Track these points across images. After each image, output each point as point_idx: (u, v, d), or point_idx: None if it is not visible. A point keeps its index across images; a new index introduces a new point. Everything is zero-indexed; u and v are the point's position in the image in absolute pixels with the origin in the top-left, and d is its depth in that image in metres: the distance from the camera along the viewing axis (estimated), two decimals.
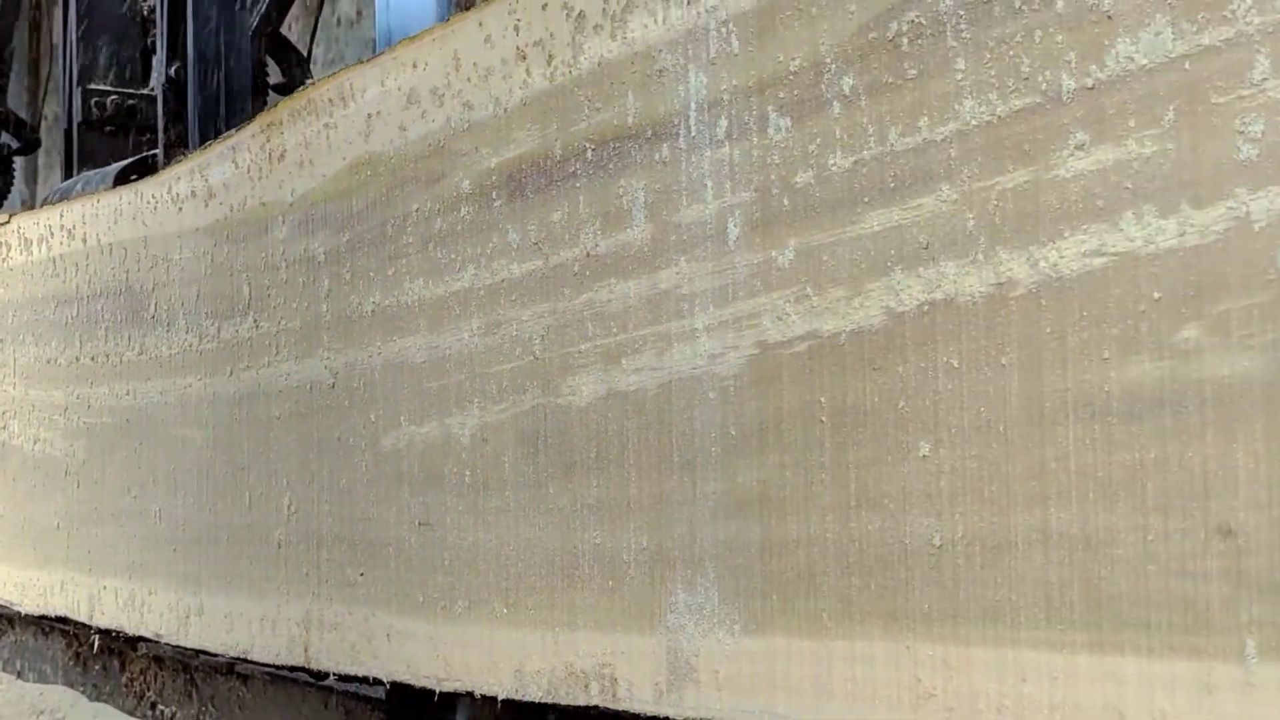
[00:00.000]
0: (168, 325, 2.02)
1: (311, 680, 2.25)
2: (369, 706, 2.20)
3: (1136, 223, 0.92)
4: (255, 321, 1.81)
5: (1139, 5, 0.92)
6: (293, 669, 1.80)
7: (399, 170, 1.57)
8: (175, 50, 3.58)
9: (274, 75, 3.84)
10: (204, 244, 1.93)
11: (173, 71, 3.57)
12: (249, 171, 1.82)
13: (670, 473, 1.25)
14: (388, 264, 1.58)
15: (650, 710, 1.27)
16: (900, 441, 1.06)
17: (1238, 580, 0.87)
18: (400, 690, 1.62)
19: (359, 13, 6.81)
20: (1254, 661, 0.87)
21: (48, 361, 2.39)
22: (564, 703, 1.36)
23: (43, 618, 2.64)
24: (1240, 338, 0.87)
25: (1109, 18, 0.94)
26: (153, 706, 3.00)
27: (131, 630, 2.15)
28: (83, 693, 3.16)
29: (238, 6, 3.51)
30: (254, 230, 1.82)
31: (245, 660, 1.93)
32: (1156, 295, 0.92)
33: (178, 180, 1.98)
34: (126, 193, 2.13)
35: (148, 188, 2.07)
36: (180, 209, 1.98)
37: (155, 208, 2.04)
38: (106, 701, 3.09)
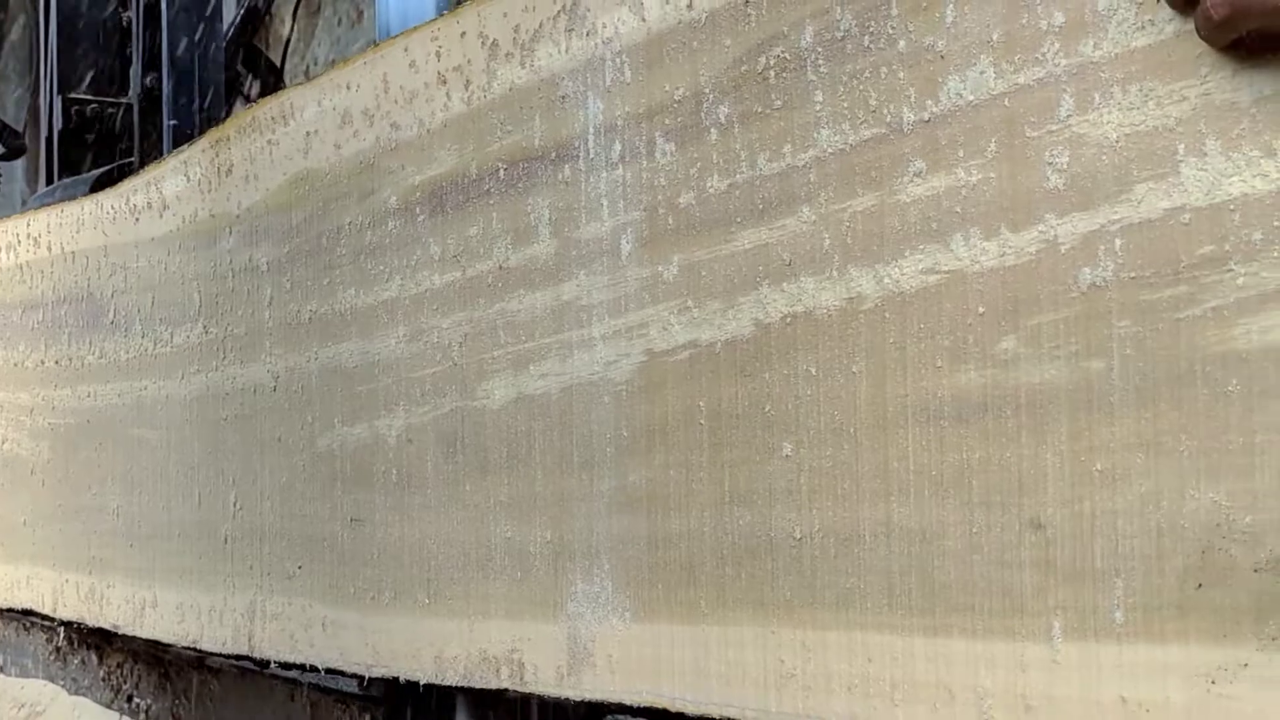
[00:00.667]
0: (125, 331, 2.11)
1: (277, 674, 2.35)
2: (333, 699, 2.29)
3: (964, 244, 1.01)
4: (205, 328, 1.90)
5: (966, 46, 1.01)
6: (240, 658, 1.88)
7: (334, 186, 1.66)
8: (150, 61, 3.66)
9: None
10: (158, 253, 2.02)
11: (148, 82, 3.65)
12: (199, 185, 1.91)
13: (571, 472, 1.34)
14: (323, 274, 1.67)
15: (553, 692, 1.36)
16: (767, 443, 1.15)
17: (1046, 569, 0.96)
18: (398, 689, 1.69)
19: (360, 12, 6.89)
20: (1059, 642, 0.96)
21: (15, 365, 2.48)
22: (477, 686, 1.45)
23: (9, 610, 2.72)
24: (1049, 349, 0.96)
25: (942, 57, 1.03)
26: (129, 699, 3.08)
27: (92, 622, 2.24)
28: (63, 686, 3.24)
29: (211, 19, 3.59)
30: (204, 241, 1.91)
31: (196, 650, 2.01)
32: (981, 310, 1.01)
33: (135, 192, 2.07)
34: (88, 203, 2.22)
35: (107, 199, 2.16)
36: (137, 220, 2.07)
37: (114, 218, 2.13)
38: (85, 695, 3.17)
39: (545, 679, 1.36)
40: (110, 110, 4.37)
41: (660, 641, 1.24)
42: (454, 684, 1.47)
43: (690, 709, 1.22)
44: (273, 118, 1.76)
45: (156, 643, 2.35)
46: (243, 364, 1.82)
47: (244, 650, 1.83)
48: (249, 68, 3.89)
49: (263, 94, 3.88)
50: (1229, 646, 0.87)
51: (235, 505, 1.84)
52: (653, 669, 1.25)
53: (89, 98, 4.30)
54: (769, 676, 1.15)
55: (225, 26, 3.84)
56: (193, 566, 1.96)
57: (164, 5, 3.56)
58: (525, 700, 1.53)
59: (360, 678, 2.08)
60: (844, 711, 1.09)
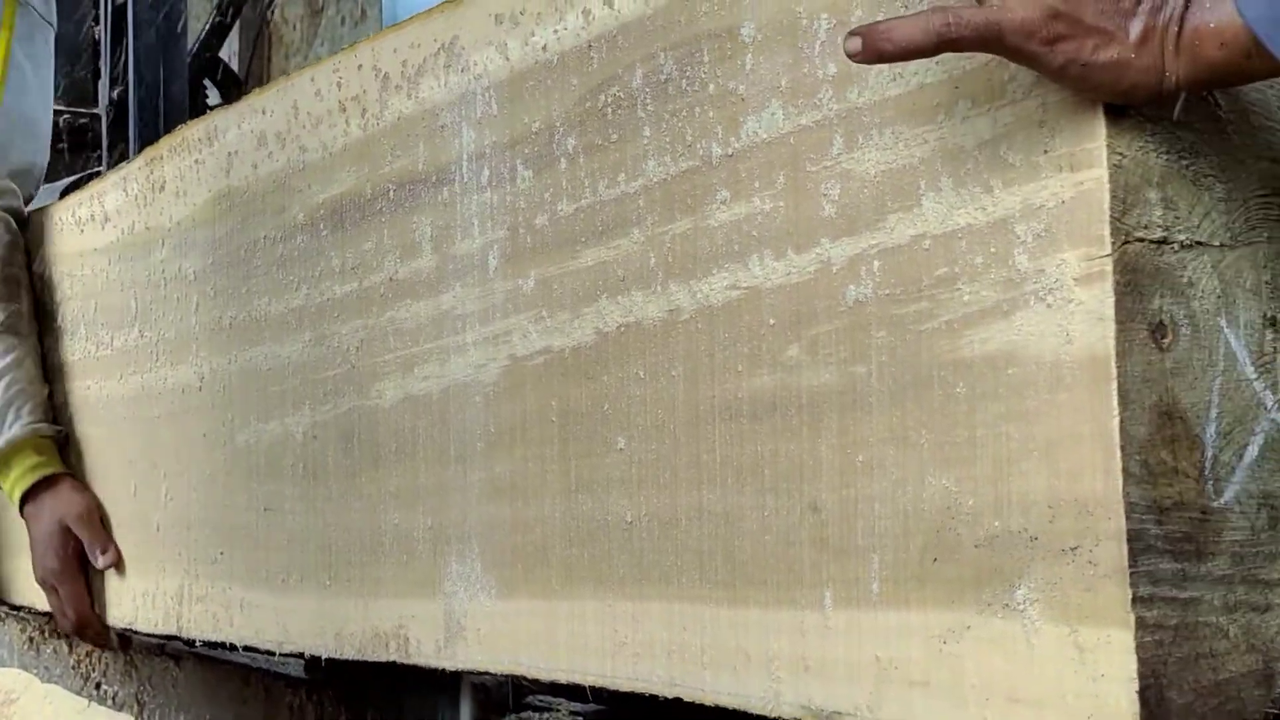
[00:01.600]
0: (71, 335, 2.24)
1: (232, 659, 2.49)
2: (284, 684, 2.43)
3: (759, 264, 1.15)
4: (140, 331, 2.04)
5: (761, 91, 1.15)
6: (170, 637, 2.02)
7: (251, 202, 1.79)
8: (118, 75, 3.80)
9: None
10: (101, 262, 2.15)
11: (115, 95, 3.79)
12: (136, 199, 2.04)
13: (449, 464, 1.47)
14: (242, 283, 1.80)
15: (432, 663, 1.49)
16: (605, 438, 1.29)
17: (821, 546, 1.10)
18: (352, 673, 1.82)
19: (363, 12, 7.01)
20: (830, 610, 1.09)
21: None
22: (370, 659, 1.58)
23: None
24: (824, 355, 1.10)
25: (743, 99, 1.17)
26: (97, 686, 3.21)
27: (41, 607, 2.37)
28: (36, 675, 3.37)
29: (175, 36, 3.72)
30: (140, 251, 2.04)
31: (131, 631, 2.15)
32: (772, 321, 1.14)
33: (79, 205, 2.20)
34: (37, 215, 2.35)
35: (55, 211, 2.29)
36: (82, 231, 2.20)
37: (61, 229, 2.26)
38: (57, 683, 3.30)
39: (426, 652, 1.50)
40: (83, 120, 4.51)
41: (520, 616, 1.38)
42: (350, 658, 1.61)
43: (542, 675, 1.36)
44: (199, 139, 1.90)
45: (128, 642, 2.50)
46: (173, 365, 1.96)
47: (173, 630, 1.96)
48: (213, 80, 4.03)
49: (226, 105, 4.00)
50: (956, 611, 1.01)
51: (166, 496, 1.97)
52: (513, 641, 1.39)
53: (62, 108, 4.43)
54: (606, 645, 1.29)
55: (190, 42, 3.97)
56: (130, 553, 2.10)
57: (130, 22, 3.69)
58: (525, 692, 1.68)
59: (313, 664, 2.24)
60: (664, 674, 1.23)
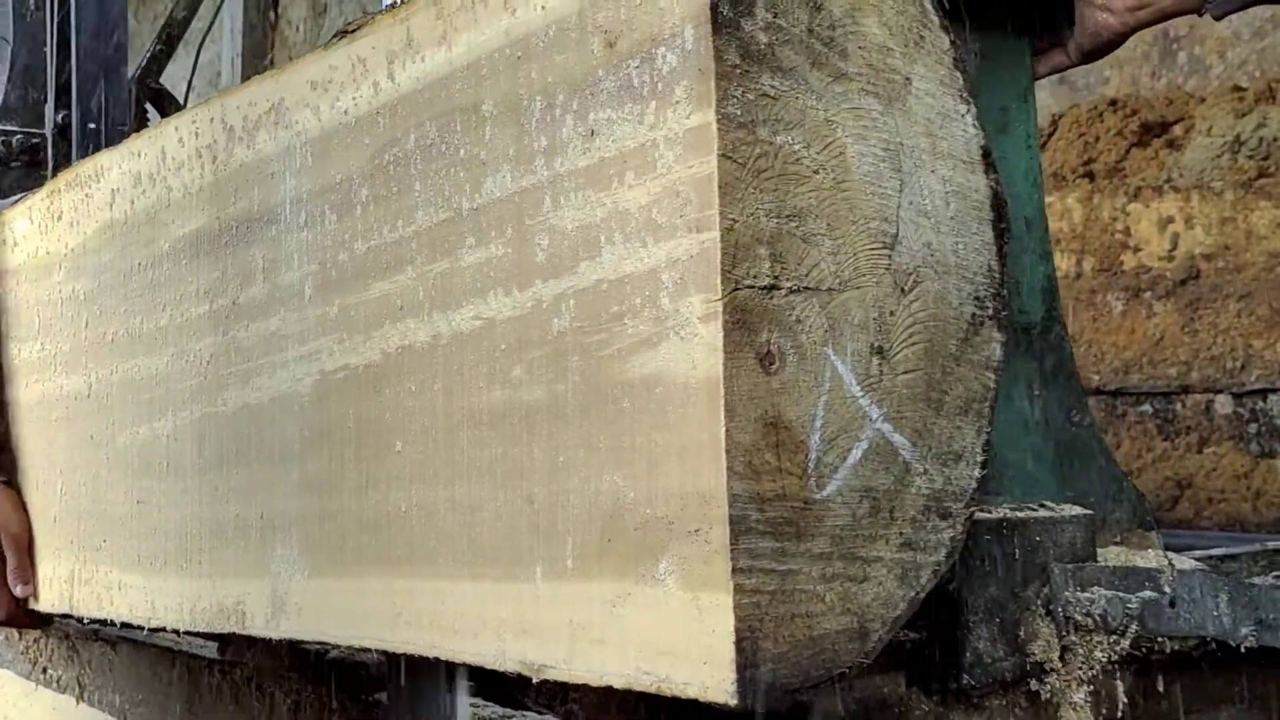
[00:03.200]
0: (3, 346, 2.46)
1: (157, 644, 2.71)
2: (202, 664, 2.66)
3: (495, 299, 1.38)
4: (42, 345, 2.26)
5: (496, 157, 1.38)
6: (62, 615, 2.24)
7: (129, 233, 2.02)
8: (62, 98, 4.01)
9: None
10: (11, 283, 2.37)
11: (60, 118, 4.00)
12: (39, 227, 2.27)
13: (274, 464, 1.70)
14: (121, 304, 2.03)
15: (263, 634, 1.72)
16: (387, 442, 1.52)
17: (535, 531, 1.33)
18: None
19: (364, 12, 7.23)
20: (540, 583, 1.32)
21: None
22: (216, 631, 1.81)
23: None
24: (537, 375, 1.33)
25: (483, 163, 1.40)
26: (44, 671, 3.44)
27: None
28: None
29: (116, 61, 3.92)
30: (42, 274, 2.27)
31: (68, 617, 2.37)
32: (503, 346, 1.37)
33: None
34: None
35: None
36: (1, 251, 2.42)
37: None
38: (8, 668, 3.53)
39: (258, 624, 1.72)
40: (35, 140, 4.71)
41: (325, 593, 1.61)
42: (201, 630, 1.84)
43: (342, 642, 1.59)
44: (89, 175, 2.12)
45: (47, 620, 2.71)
46: (67, 375, 2.18)
47: (66, 610, 2.18)
48: (155, 104, 4.24)
49: None
50: (622, 582, 1.24)
51: (61, 491, 2.19)
52: (321, 614, 1.62)
53: (15, 129, 4.63)
54: (387, 616, 1.51)
55: (132, 67, 4.18)
56: (36, 541, 2.32)
57: (72, 48, 3.90)
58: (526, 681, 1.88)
59: (220, 645, 2.47)
60: (428, 640, 1.46)
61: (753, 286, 1.17)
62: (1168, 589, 1.75)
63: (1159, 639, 1.74)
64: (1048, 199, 4.75)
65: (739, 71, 1.17)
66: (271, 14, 10.85)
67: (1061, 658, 1.62)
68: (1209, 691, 1.92)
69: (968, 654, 1.54)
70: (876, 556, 1.23)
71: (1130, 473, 4.34)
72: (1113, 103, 5.49)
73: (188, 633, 1.90)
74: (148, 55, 4.24)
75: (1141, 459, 4.47)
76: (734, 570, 1.14)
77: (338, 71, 1.60)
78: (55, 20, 3.92)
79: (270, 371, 1.71)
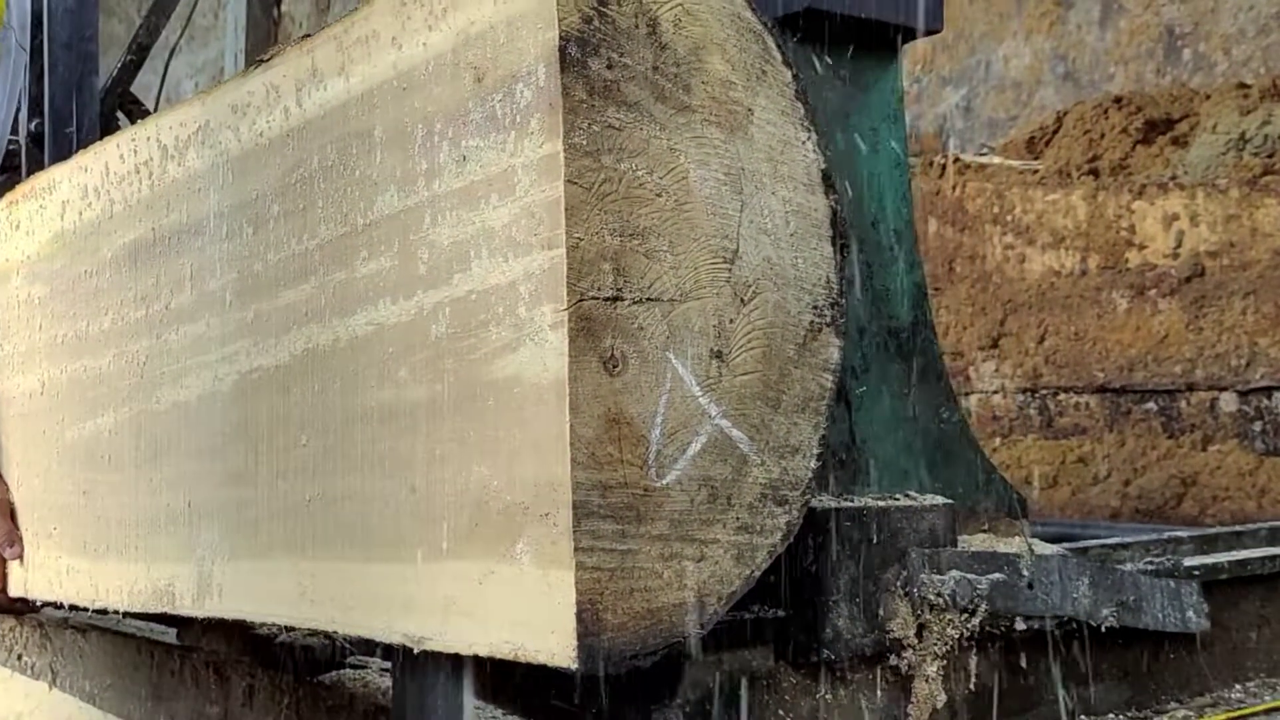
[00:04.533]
0: None
1: (123, 630, 2.84)
2: (163, 649, 2.79)
3: (385, 306, 1.51)
4: (1, 345, 2.39)
5: (385, 178, 1.51)
6: (18, 598, 2.37)
7: (78, 242, 2.15)
8: (35, 108, 4.12)
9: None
10: None
11: (33, 126, 4.12)
12: (1, 235, 2.40)
13: (201, 457, 1.83)
14: (70, 308, 2.16)
15: (190, 614, 1.85)
16: (295, 436, 1.65)
17: (416, 517, 1.46)
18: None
19: None
20: (421, 563, 1.45)
21: None
22: (151, 611, 1.94)
23: None
24: (419, 376, 1.46)
25: (375, 183, 1.53)
26: (19, 658, 3.57)
27: None
28: None
29: (86, 73, 4.03)
30: (3, 279, 2.40)
31: (48, 604, 2.49)
32: (391, 350, 1.50)
33: None
34: None
35: None
36: None
37: None
38: None
39: (186, 605, 1.85)
40: (13, 147, 4.83)
41: (242, 574, 1.74)
42: (138, 610, 1.97)
43: (257, 620, 1.73)
44: (43, 188, 2.25)
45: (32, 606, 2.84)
46: (24, 374, 2.31)
47: (21, 593, 2.31)
48: (126, 113, 4.35)
49: None
50: (486, 561, 1.37)
51: (18, 483, 2.32)
52: (239, 594, 1.75)
53: None
54: (294, 595, 1.65)
55: (103, 78, 4.30)
56: None
57: (45, 58, 4.02)
58: (527, 673, 1.96)
59: (178, 629, 2.59)
60: (328, 616, 1.59)
61: (597, 298, 1.30)
62: (1026, 572, 1.88)
63: (1016, 618, 1.88)
64: (1052, 196, 4.81)
65: (585, 106, 1.31)
66: (275, 10, 10.86)
67: (918, 635, 1.75)
68: (1077, 669, 2.06)
69: (827, 630, 1.67)
70: (714, 539, 1.37)
71: (1135, 470, 4.39)
72: (1118, 100, 5.47)
73: (127, 614, 2.03)
74: (119, 65, 4.35)
75: (1146, 457, 4.48)
76: (577, 549, 1.27)
77: (254, 96, 1.73)
78: (29, 32, 4.03)
79: (198, 372, 1.84)
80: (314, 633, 1.97)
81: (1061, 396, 4.72)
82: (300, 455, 1.64)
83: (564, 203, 1.29)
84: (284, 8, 10.99)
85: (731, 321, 1.39)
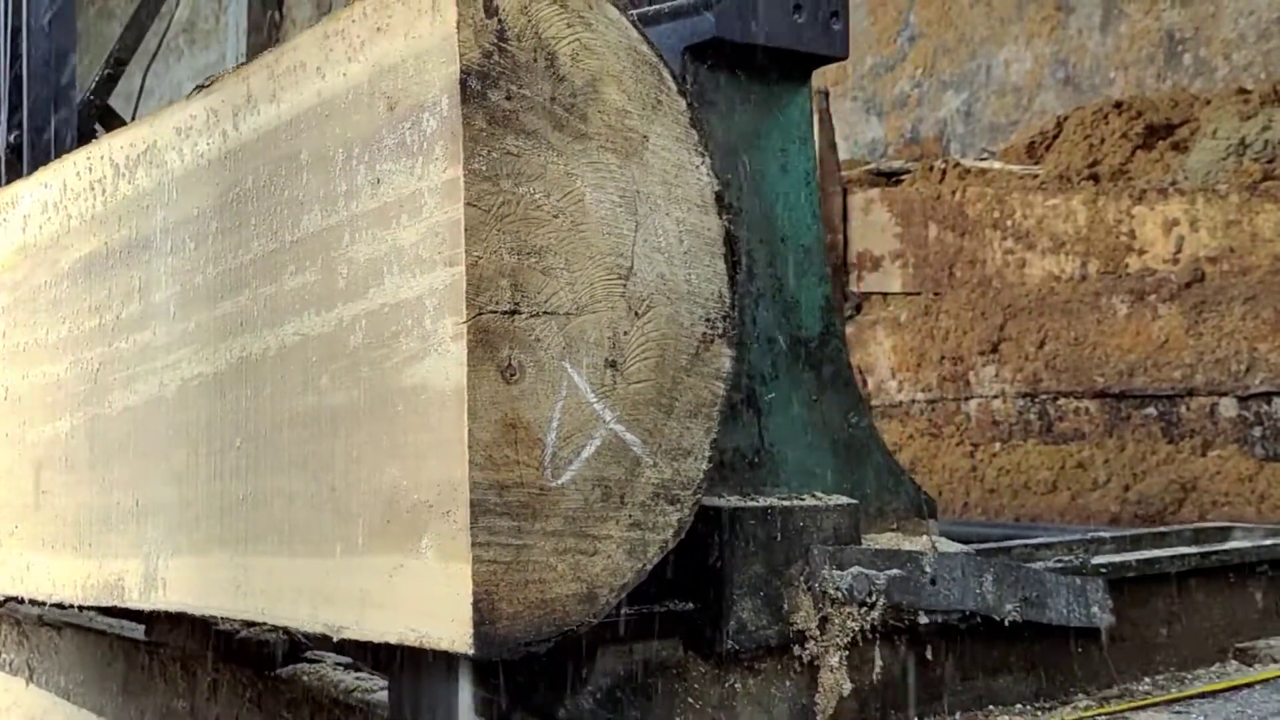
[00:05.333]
0: None
1: (93, 627, 2.93)
2: (129, 643, 2.89)
3: (309, 318, 1.61)
4: None
5: (310, 198, 1.61)
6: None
7: (38, 255, 2.24)
8: (14, 120, 4.21)
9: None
10: None
11: (12, 138, 4.21)
12: None
13: (150, 458, 1.93)
14: (31, 316, 2.26)
15: (138, 606, 1.94)
16: (230, 439, 1.75)
17: (336, 515, 1.56)
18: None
19: None
20: (339, 558, 1.55)
21: None
22: (103, 604, 2.03)
23: None
24: (339, 383, 1.56)
25: (301, 203, 1.62)
26: None
27: None
28: None
29: (64, 87, 4.12)
30: None
31: (10, 599, 2.59)
32: (314, 359, 1.60)
33: None
34: None
35: None
36: None
37: None
38: None
39: (134, 598, 1.95)
40: None
41: (184, 569, 1.84)
42: (90, 604, 2.06)
43: (197, 612, 1.82)
44: (6, 202, 2.35)
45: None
46: None
47: None
48: (104, 123, 4.45)
49: None
50: (397, 555, 1.46)
51: None
52: (181, 588, 1.84)
53: None
54: (230, 588, 1.74)
55: (81, 91, 4.39)
56: None
57: (24, 74, 4.11)
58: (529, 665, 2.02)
59: (146, 626, 2.69)
60: (258, 607, 1.68)
61: (495, 311, 1.40)
62: (929, 569, 1.97)
63: (920, 612, 1.97)
64: (1052, 201, 4.80)
65: (485, 134, 1.40)
66: (276, 12, 10.84)
67: (821, 627, 1.85)
68: (985, 661, 2.15)
69: (732, 622, 1.76)
70: (607, 534, 1.46)
71: (1135, 476, 4.40)
72: (1118, 105, 5.44)
73: (82, 607, 2.13)
74: (96, 78, 4.45)
75: (1145, 462, 4.45)
76: (474, 544, 1.37)
77: (196, 120, 1.83)
78: (8, 48, 4.12)
79: (145, 378, 1.94)
80: (250, 624, 2.07)
81: (1061, 401, 4.70)
82: (235, 457, 1.73)
83: (464, 224, 1.39)
84: (285, 10, 10.91)
85: (626, 333, 1.49)
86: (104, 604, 2.04)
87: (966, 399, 4.89)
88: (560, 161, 1.45)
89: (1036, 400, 4.75)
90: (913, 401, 4.95)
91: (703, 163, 1.56)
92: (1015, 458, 4.68)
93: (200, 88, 1.83)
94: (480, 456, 1.38)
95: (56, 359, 2.17)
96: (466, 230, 1.39)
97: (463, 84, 1.39)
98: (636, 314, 1.50)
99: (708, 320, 1.56)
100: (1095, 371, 4.60)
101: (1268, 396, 4.28)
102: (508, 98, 1.42)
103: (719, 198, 1.57)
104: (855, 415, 2.04)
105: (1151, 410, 4.52)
